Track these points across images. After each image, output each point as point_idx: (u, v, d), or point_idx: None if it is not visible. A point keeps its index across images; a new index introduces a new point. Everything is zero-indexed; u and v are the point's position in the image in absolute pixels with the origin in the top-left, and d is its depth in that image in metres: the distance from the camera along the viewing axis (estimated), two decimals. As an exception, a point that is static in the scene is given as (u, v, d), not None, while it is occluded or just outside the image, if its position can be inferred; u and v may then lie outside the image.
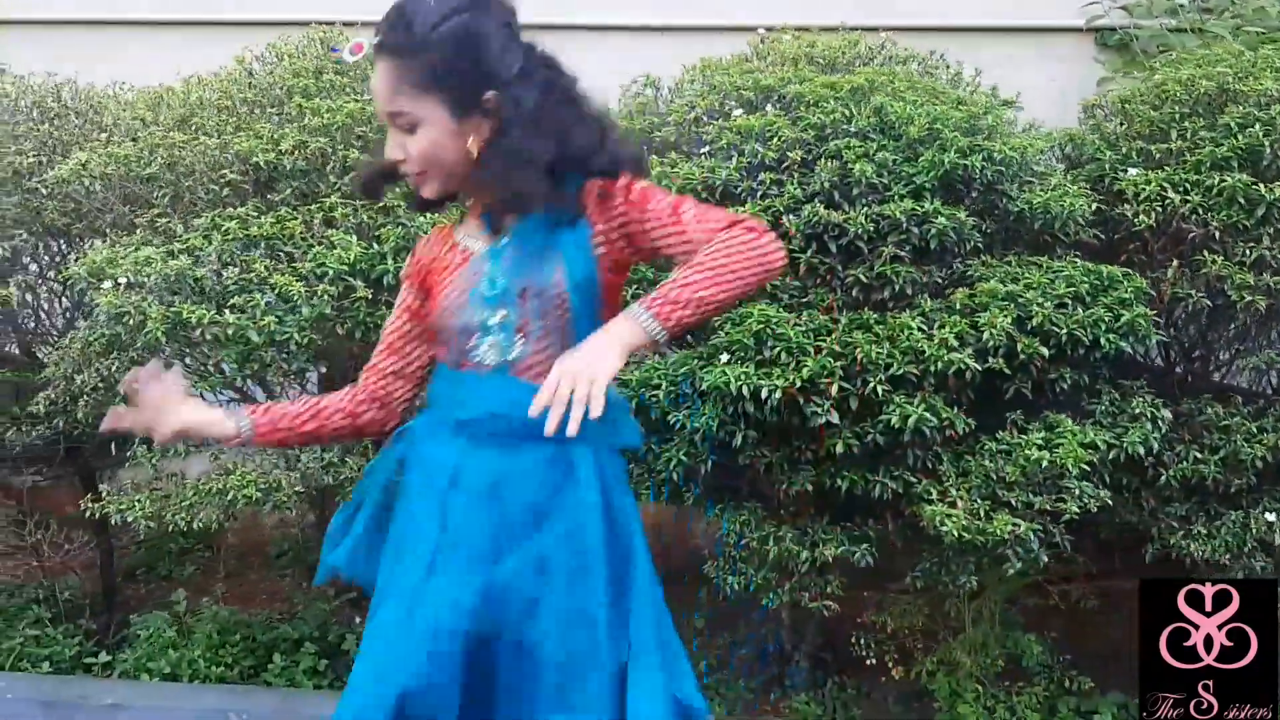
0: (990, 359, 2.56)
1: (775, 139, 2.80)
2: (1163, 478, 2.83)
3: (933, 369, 2.52)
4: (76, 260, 3.41)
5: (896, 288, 2.67)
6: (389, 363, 1.89)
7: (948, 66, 3.61)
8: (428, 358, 1.90)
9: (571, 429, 1.50)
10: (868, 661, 3.32)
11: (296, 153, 3.01)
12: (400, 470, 1.87)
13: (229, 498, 2.91)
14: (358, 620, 3.66)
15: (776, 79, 3.03)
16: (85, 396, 3.02)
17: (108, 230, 3.19)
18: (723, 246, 1.61)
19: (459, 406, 1.78)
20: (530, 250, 1.72)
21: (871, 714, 3.38)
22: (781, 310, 2.67)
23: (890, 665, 3.31)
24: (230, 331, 2.75)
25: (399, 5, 1.66)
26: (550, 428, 1.51)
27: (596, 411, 1.50)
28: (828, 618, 3.55)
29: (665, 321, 1.58)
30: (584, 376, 1.52)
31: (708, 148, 2.92)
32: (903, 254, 2.65)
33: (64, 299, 3.61)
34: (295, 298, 2.78)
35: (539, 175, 1.67)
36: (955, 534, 2.51)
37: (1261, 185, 2.74)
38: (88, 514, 3.26)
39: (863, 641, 3.34)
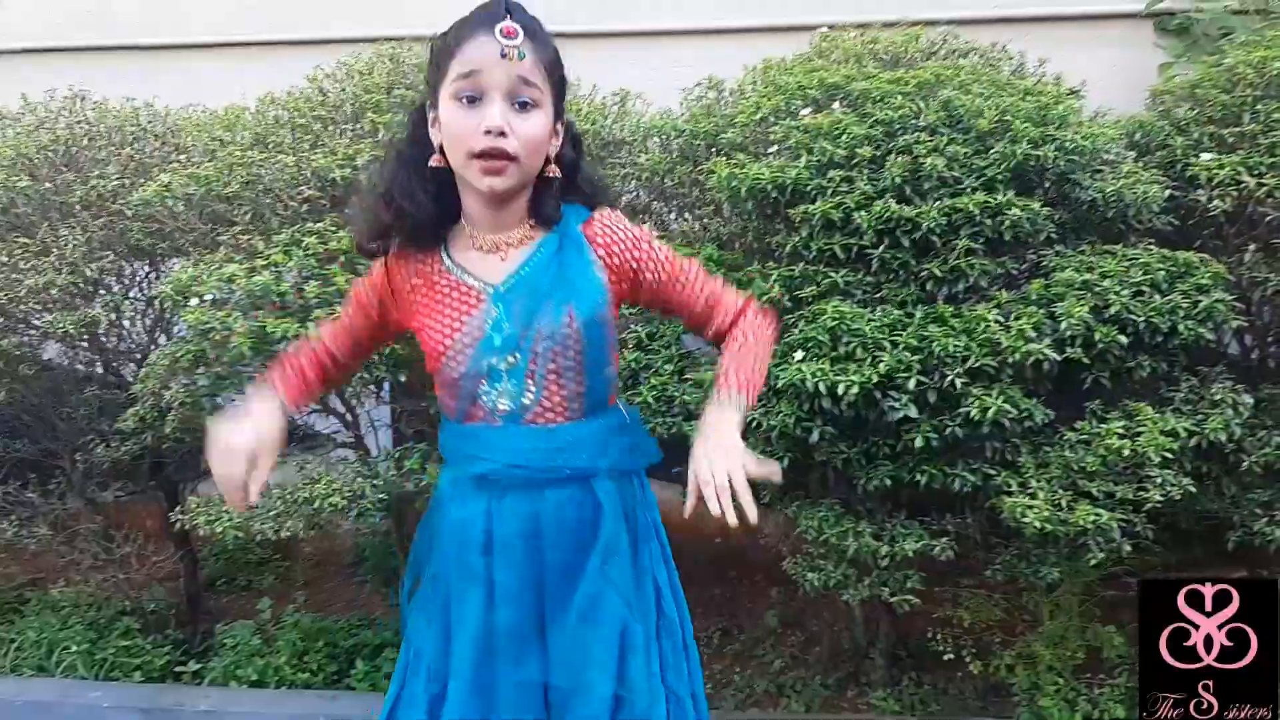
0: (1068, 349, 2.55)
1: (844, 136, 2.81)
2: (1244, 464, 2.79)
3: (1010, 360, 2.51)
4: (160, 279, 3.52)
5: (971, 280, 2.66)
6: (345, 343, 1.95)
7: (1009, 57, 3.58)
8: (363, 356, 2.07)
9: (731, 519, 1.55)
10: (945, 657, 3.33)
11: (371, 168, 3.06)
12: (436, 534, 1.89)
13: (315, 506, 2.97)
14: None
15: (841, 76, 3.04)
16: (173, 411, 3.10)
17: (190, 249, 3.26)
18: (762, 330, 1.82)
19: (474, 461, 1.78)
20: (539, 291, 1.73)
21: (950, 709, 3.36)
22: (855, 306, 2.68)
23: (968, 660, 3.31)
24: None
25: (519, 5, 1.68)
26: (731, 519, 1.55)
27: (750, 510, 1.56)
28: (904, 614, 3.57)
29: (753, 401, 1.74)
30: (735, 469, 1.57)
31: (775, 148, 2.93)
32: (976, 246, 2.65)
33: (146, 318, 3.70)
34: None
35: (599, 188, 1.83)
36: (1037, 525, 2.50)
37: (1339, 166, 2.71)
38: (176, 525, 3.35)
39: (939, 637, 3.36)
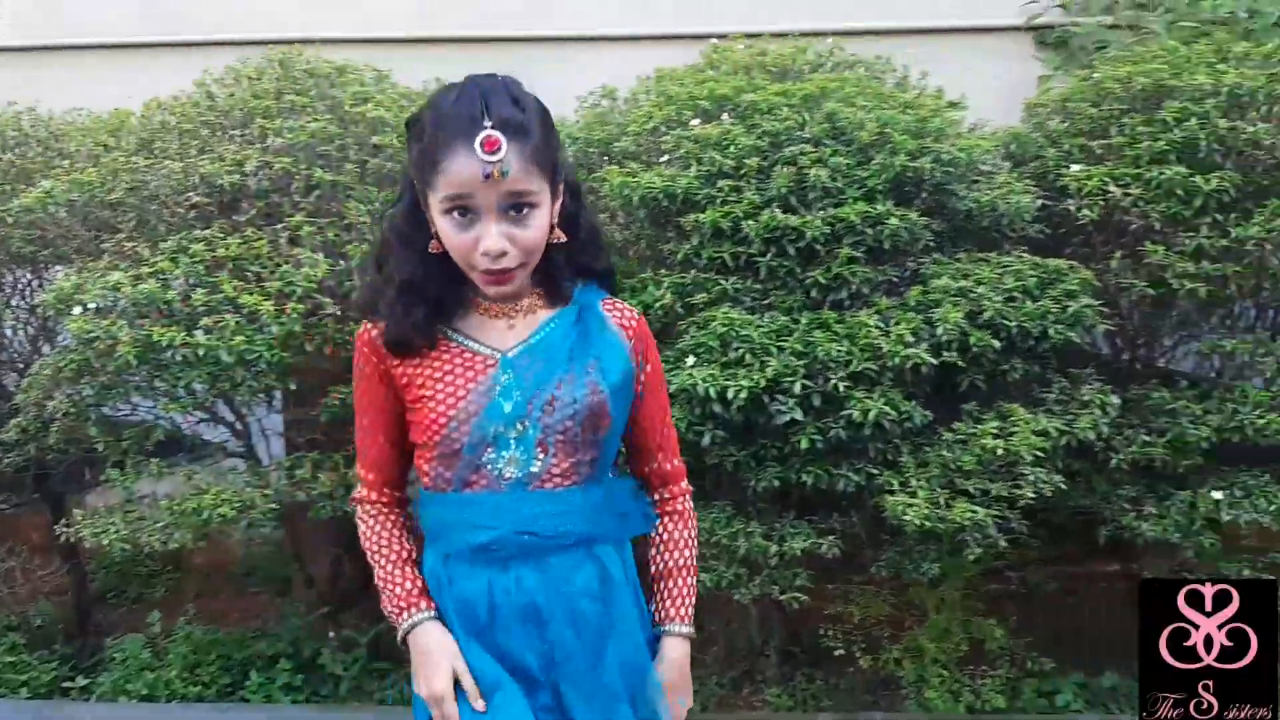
0: (944, 353, 2.66)
1: (732, 147, 2.88)
2: (1113, 462, 2.94)
3: (890, 364, 2.61)
4: (43, 287, 3.45)
5: (853, 288, 2.76)
6: (387, 447, 1.74)
7: (893, 70, 3.70)
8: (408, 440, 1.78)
9: None
10: (836, 652, 3.42)
11: (260, 174, 3.06)
12: None
13: (204, 517, 2.94)
14: (331, 635, 3.69)
15: (731, 88, 3.11)
16: (57, 421, 3.04)
17: (74, 256, 3.22)
18: (690, 534, 1.84)
19: (475, 530, 1.68)
20: (555, 358, 1.67)
21: (841, 704, 3.46)
22: (744, 313, 2.75)
23: (858, 655, 3.41)
24: (201, 352, 2.80)
25: (503, 83, 1.58)
26: None
27: None
28: (796, 612, 3.64)
29: (691, 622, 1.81)
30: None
31: (667, 157, 2.99)
32: (858, 255, 2.74)
33: (29, 327, 3.62)
34: (264, 317, 2.84)
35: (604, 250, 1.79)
36: (916, 523, 2.61)
37: (1198, 177, 2.85)
38: (61, 539, 3.29)
39: (830, 633, 3.45)
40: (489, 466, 1.65)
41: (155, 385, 3.04)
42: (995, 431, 2.69)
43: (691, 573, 1.83)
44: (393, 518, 1.76)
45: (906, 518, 2.61)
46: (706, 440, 2.70)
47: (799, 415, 2.62)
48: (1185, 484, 3.03)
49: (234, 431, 3.36)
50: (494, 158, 1.50)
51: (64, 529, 3.23)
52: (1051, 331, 2.71)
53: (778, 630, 3.57)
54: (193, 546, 3.99)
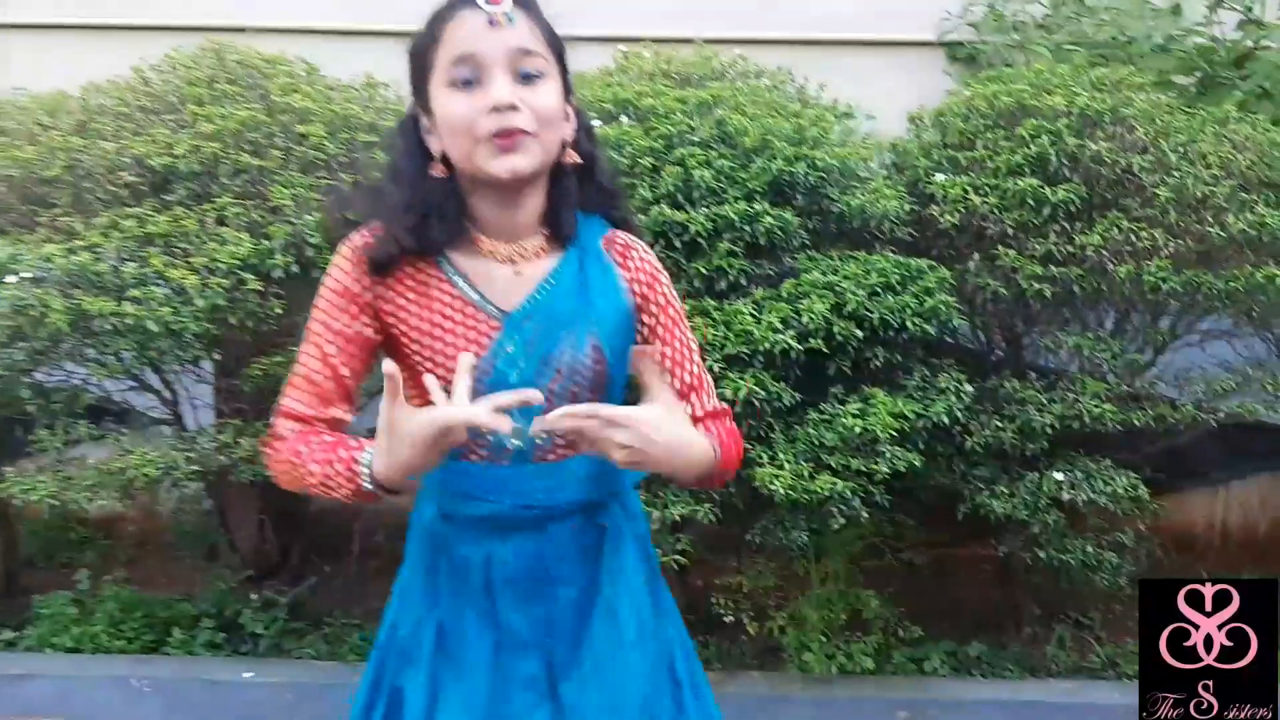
0: (810, 340, 2.93)
1: (629, 147, 3.13)
2: (968, 444, 3.23)
3: (761, 349, 2.88)
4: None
5: (731, 279, 3.03)
6: (332, 380, 1.53)
7: (793, 80, 3.97)
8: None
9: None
10: (726, 619, 3.63)
11: (191, 156, 3.23)
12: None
13: (128, 475, 3.14)
14: (253, 596, 3.89)
15: (633, 93, 3.36)
16: (-12, 383, 3.22)
17: (9, 229, 3.35)
18: (732, 442, 1.61)
19: (473, 502, 1.58)
20: (559, 319, 1.53)
21: (729, 667, 3.70)
22: (633, 299, 3.00)
23: (745, 622, 3.62)
24: (129, 322, 2.97)
25: None
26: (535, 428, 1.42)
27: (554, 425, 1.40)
28: (692, 583, 3.91)
29: (723, 464, 1.58)
30: (637, 454, 1.40)
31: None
32: (737, 249, 3.01)
33: (-36, 294, 3.77)
34: (190, 290, 3.02)
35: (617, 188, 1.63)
36: (783, 492, 2.87)
37: (1048, 188, 3.16)
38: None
39: (721, 602, 3.64)
40: (490, 437, 1.51)
41: (85, 353, 3.22)
42: (856, 412, 2.96)
43: (729, 449, 1.60)
44: (317, 434, 1.52)
45: (774, 487, 2.88)
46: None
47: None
48: (1034, 466, 3.31)
49: (162, 400, 3.55)
50: (498, 7, 1.43)
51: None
52: (910, 324, 2.99)
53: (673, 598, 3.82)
54: (122, 510, 4.21)
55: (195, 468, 3.23)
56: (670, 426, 1.43)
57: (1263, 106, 4.10)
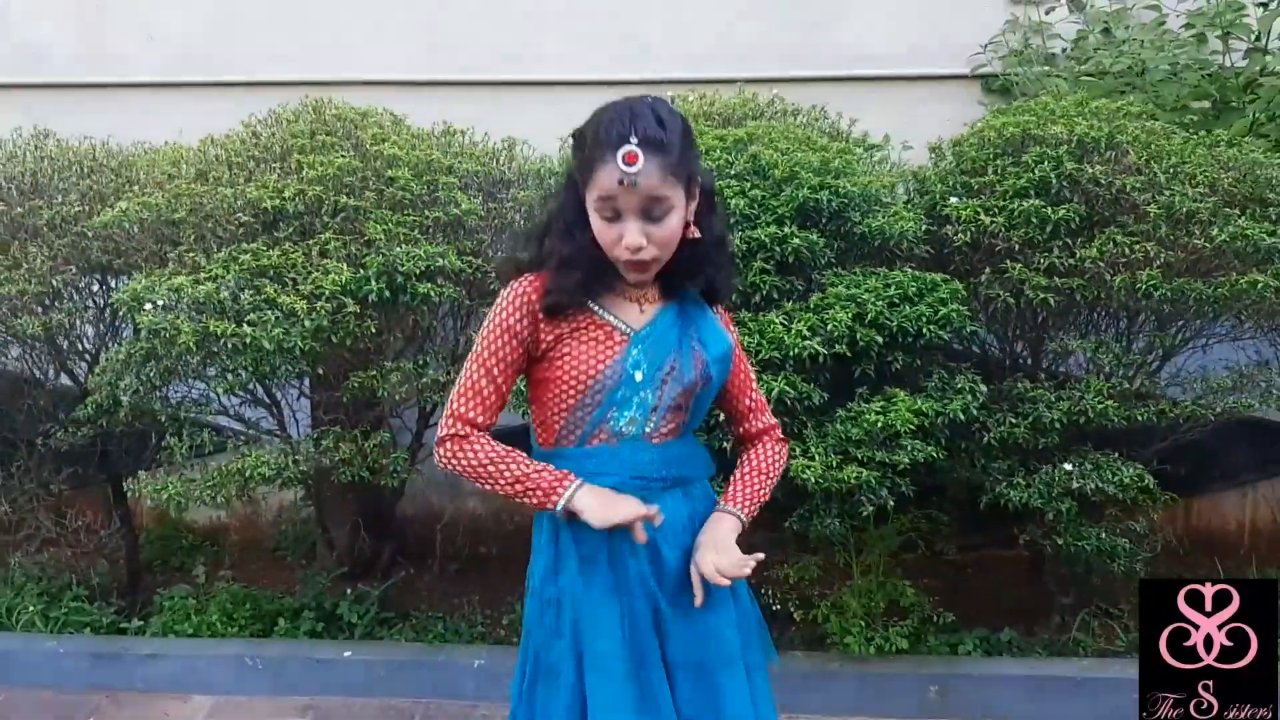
0: (836, 345, 3.28)
1: (673, 181, 3.53)
2: (986, 439, 3.55)
3: (791, 354, 3.25)
4: (110, 292, 4.12)
5: (764, 294, 3.40)
6: (494, 393, 1.98)
7: (826, 116, 4.36)
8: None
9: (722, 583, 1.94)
10: (774, 609, 3.96)
11: (296, 199, 3.65)
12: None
13: (246, 475, 3.59)
14: (348, 591, 4.30)
15: (680, 133, 3.77)
16: (126, 398, 3.68)
17: (143, 264, 3.82)
18: (780, 460, 2.18)
19: (593, 478, 1.96)
20: (669, 338, 1.99)
21: (778, 651, 4.03)
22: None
23: (793, 611, 3.96)
24: (247, 341, 3.36)
25: (648, 107, 1.83)
26: (699, 600, 1.97)
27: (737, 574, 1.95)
28: (747, 580, 4.23)
29: (750, 517, 2.11)
30: (726, 568, 1.93)
31: (623, 189, 3.63)
32: (769, 268, 3.39)
33: (100, 325, 4.29)
34: (298, 313, 3.41)
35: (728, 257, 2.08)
36: (814, 481, 3.22)
37: (1050, 209, 3.48)
38: (128, 494, 3.90)
39: (772, 594, 3.98)
40: (611, 424, 1.98)
41: (208, 370, 3.67)
42: (879, 410, 3.30)
43: (767, 481, 2.13)
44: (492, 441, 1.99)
45: (805, 477, 3.22)
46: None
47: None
48: (1047, 459, 3.60)
49: (270, 412, 4.02)
50: (632, 169, 1.77)
51: (131, 487, 3.87)
52: (926, 330, 3.34)
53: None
54: (231, 519, 4.65)
55: (302, 469, 3.66)
56: (713, 544, 2.00)
57: (1269, 129, 4.39)
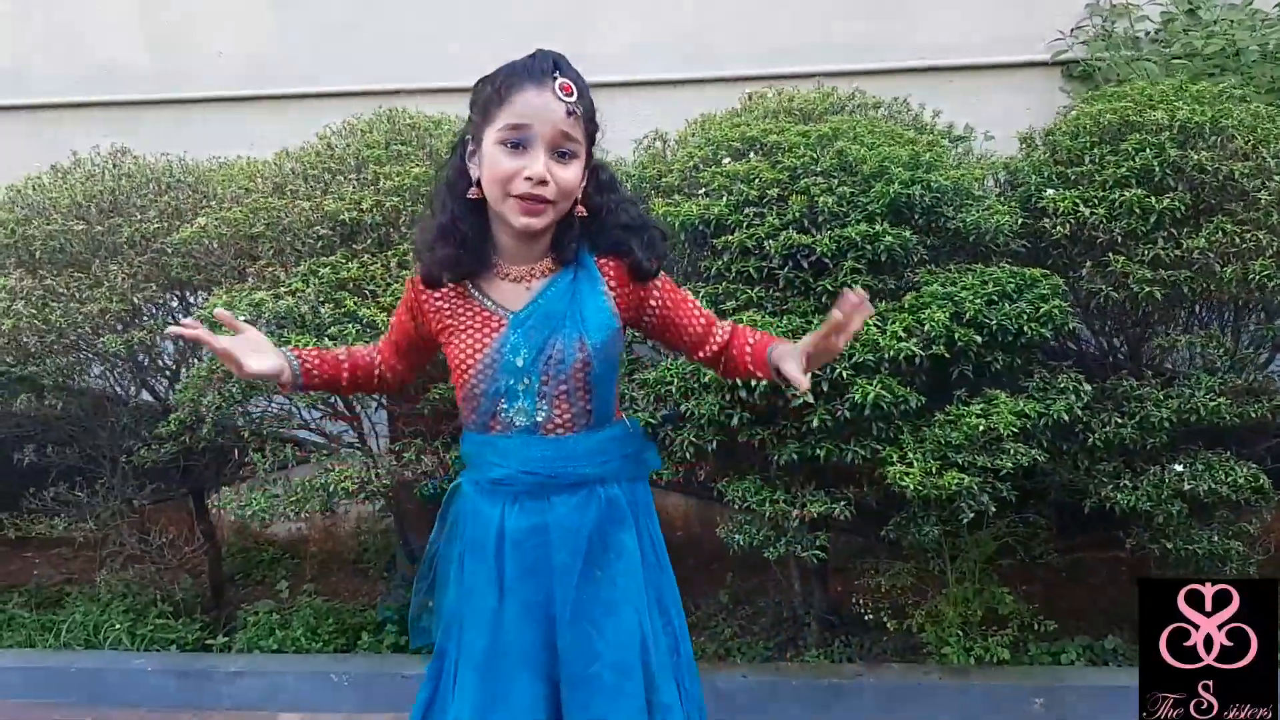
0: (933, 346, 3.16)
1: (757, 180, 3.44)
2: (1090, 440, 3.40)
3: (886, 356, 3.13)
4: (190, 309, 4.12)
5: (857, 294, 3.28)
6: (394, 351, 2.19)
7: (909, 109, 4.23)
8: (415, 366, 2.24)
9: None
10: (866, 618, 3.85)
11: (374, 210, 3.63)
12: (454, 526, 2.15)
13: (330, 490, 3.55)
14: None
15: (759, 130, 3.68)
16: (209, 415, 3.68)
17: (222, 280, 3.82)
18: (755, 334, 2.10)
19: (491, 466, 2.01)
20: (552, 318, 1.94)
21: (871, 662, 3.92)
22: (766, 316, 3.30)
23: (885, 621, 3.83)
24: None
25: (561, 56, 1.88)
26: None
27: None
28: (834, 588, 4.14)
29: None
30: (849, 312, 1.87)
31: (704, 189, 3.56)
32: (860, 267, 3.28)
33: (180, 342, 4.28)
34: (379, 326, 3.37)
35: (631, 221, 2.01)
36: (913, 488, 3.10)
37: (1153, 198, 3.33)
38: (212, 512, 3.91)
39: (861, 602, 3.87)
40: (503, 414, 1.98)
41: (292, 384, 3.68)
42: (980, 412, 3.17)
43: (775, 340, 2.05)
44: (365, 359, 2.21)
45: (904, 484, 3.10)
46: (735, 421, 3.24)
47: (810, 399, 3.16)
48: (1156, 460, 3.44)
49: (351, 425, 3.99)
50: (571, 98, 1.82)
51: (215, 504, 3.87)
52: (1027, 329, 3.20)
53: (817, 601, 4.04)
54: (311, 530, 4.64)
55: (384, 482, 3.63)
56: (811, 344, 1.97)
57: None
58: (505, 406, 1.97)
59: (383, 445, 4.03)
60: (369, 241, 3.67)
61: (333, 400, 3.80)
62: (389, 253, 3.61)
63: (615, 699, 1.97)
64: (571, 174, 1.87)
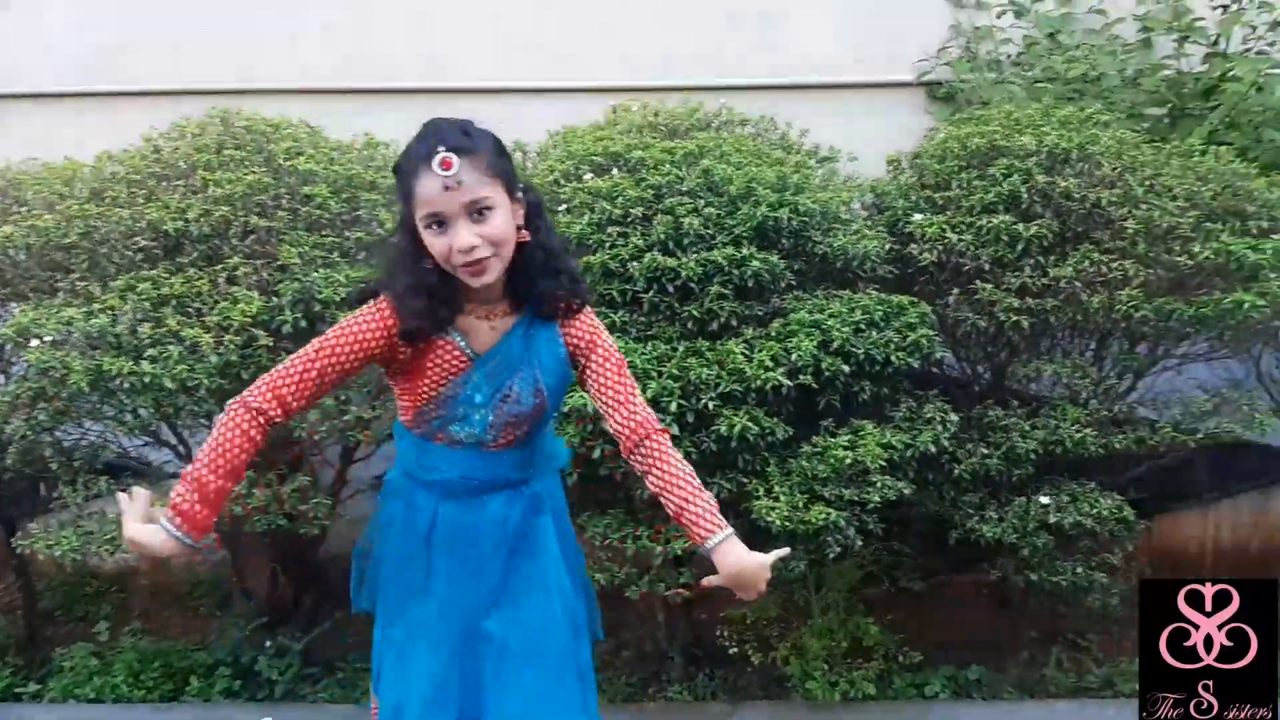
0: (800, 376, 3.05)
1: (620, 198, 3.27)
2: (955, 472, 3.34)
3: (753, 386, 3.00)
4: (1, 324, 3.73)
5: (722, 320, 3.15)
6: (315, 385, 1.99)
7: (775, 127, 4.12)
8: (320, 398, 2.10)
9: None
10: (730, 651, 3.74)
11: (202, 220, 3.37)
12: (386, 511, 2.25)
13: (149, 528, 3.23)
14: (268, 643, 3.98)
15: (623, 145, 3.52)
16: (14, 444, 3.33)
17: (30, 294, 3.48)
18: (684, 466, 2.06)
19: (430, 470, 2.16)
20: (510, 362, 2.08)
21: (735, 698, 3.79)
22: (630, 342, 3.13)
23: (750, 654, 3.72)
24: (146, 380, 3.07)
25: (452, 123, 1.96)
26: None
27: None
28: (698, 617, 3.99)
29: (725, 525, 2.06)
30: (764, 580, 2.05)
31: (565, 206, 3.37)
32: (726, 292, 3.14)
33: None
34: (204, 348, 3.13)
35: (565, 262, 2.10)
36: (779, 524, 2.98)
37: (1020, 225, 3.29)
38: (18, 550, 3.55)
39: (726, 634, 3.76)
40: (451, 433, 2.11)
41: (104, 411, 3.34)
42: (846, 444, 3.08)
43: (702, 491, 2.05)
44: (258, 434, 1.95)
45: (770, 519, 2.98)
46: (597, 454, 3.06)
47: (676, 431, 2.99)
48: (1021, 491, 3.41)
49: (176, 453, 3.66)
50: (449, 173, 1.89)
51: (20, 543, 3.50)
52: (894, 358, 3.12)
53: (681, 633, 3.90)
54: (139, 562, 4.28)
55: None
56: (739, 579, 2.07)
57: (1230, 136, 4.25)
58: (456, 429, 2.11)
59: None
60: (195, 254, 3.40)
61: (154, 427, 3.47)
62: (217, 267, 3.34)
63: (535, 673, 2.12)
64: (496, 224, 1.95)
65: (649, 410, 2.11)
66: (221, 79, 4.89)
